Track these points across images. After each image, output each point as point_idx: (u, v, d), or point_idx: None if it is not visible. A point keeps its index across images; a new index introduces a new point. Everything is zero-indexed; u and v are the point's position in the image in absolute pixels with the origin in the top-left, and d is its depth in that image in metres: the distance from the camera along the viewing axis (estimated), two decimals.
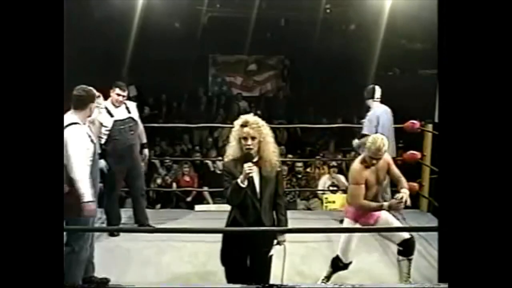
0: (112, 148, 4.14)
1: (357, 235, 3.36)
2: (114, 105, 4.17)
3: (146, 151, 4.50)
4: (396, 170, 3.41)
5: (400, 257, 3.30)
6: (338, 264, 3.39)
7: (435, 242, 2.49)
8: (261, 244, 2.70)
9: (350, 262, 3.37)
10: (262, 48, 10.61)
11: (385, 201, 3.48)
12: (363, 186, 3.22)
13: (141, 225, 4.35)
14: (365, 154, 3.26)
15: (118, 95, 4.15)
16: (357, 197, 3.24)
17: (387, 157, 3.36)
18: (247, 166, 2.54)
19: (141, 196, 4.42)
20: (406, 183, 3.33)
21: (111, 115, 4.13)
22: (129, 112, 4.23)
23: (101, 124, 4.08)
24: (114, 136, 4.13)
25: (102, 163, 4.08)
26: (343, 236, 3.40)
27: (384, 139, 3.22)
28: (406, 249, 3.26)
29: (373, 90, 4.71)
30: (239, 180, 2.55)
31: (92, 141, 3.13)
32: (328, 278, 3.45)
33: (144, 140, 4.45)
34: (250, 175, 2.56)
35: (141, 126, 4.40)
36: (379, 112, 4.66)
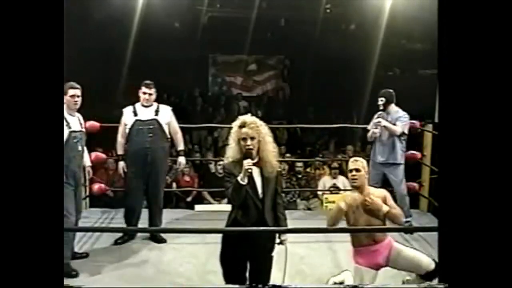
0: (129, 148, 4.11)
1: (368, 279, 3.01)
2: (142, 105, 4.10)
3: (181, 158, 4.32)
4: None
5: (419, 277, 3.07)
6: None
7: (435, 242, 2.48)
8: (262, 244, 2.70)
9: None
10: (262, 48, 10.61)
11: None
12: None
13: (154, 237, 4.21)
14: None
15: (144, 93, 4.07)
16: None
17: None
18: (246, 162, 2.54)
19: (157, 208, 4.24)
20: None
21: (135, 114, 4.07)
22: (156, 114, 4.10)
23: (124, 124, 4.08)
24: (132, 136, 4.06)
25: (121, 164, 4.12)
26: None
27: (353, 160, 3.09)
28: (430, 275, 3.00)
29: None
30: (239, 178, 2.56)
31: (67, 125, 3.51)
32: None
33: (181, 147, 4.30)
34: (250, 171, 2.56)
35: (177, 132, 4.25)
36: (378, 113, 4.72)
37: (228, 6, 9.48)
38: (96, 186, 4.31)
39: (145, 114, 4.08)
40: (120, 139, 4.15)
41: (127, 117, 4.08)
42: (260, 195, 2.65)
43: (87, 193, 4.70)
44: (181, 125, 8.18)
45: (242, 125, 2.62)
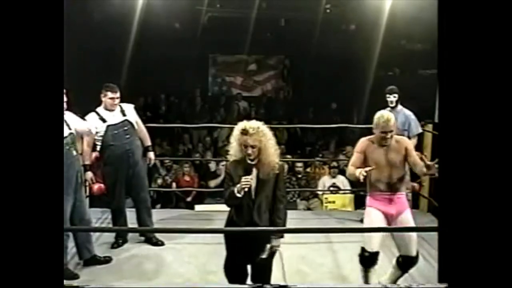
0: (108, 155, 3.94)
1: (378, 220, 3.09)
2: (107, 109, 3.93)
3: (151, 154, 4.23)
4: (415, 157, 3.07)
5: (396, 267, 3.24)
6: (363, 256, 3.11)
7: (435, 242, 2.48)
8: (259, 245, 2.70)
9: (377, 253, 3.10)
10: (262, 48, 10.61)
11: (407, 188, 3.34)
12: (358, 155, 3.10)
13: (147, 238, 4.16)
14: (375, 132, 3.09)
15: (112, 98, 3.90)
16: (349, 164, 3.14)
17: (404, 141, 3.14)
18: (244, 179, 2.57)
19: (145, 208, 4.13)
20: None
21: (104, 121, 3.91)
22: (124, 115, 3.97)
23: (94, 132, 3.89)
24: (108, 142, 3.91)
25: (89, 174, 3.96)
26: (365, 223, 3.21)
27: (390, 114, 3.08)
28: (405, 265, 3.19)
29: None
30: (235, 190, 2.59)
31: None
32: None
33: (148, 143, 4.20)
34: (245, 190, 2.59)
35: (143, 128, 4.16)
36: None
37: (228, 6, 9.48)
38: (96, 186, 4.30)
39: (114, 117, 3.94)
40: (86, 148, 3.91)
41: (95, 124, 3.90)
42: (253, 196, 2.67)
43: (87, 193, 4.71)
44: (182, 125, 8.22)
45: (244, 133, 2.60)
